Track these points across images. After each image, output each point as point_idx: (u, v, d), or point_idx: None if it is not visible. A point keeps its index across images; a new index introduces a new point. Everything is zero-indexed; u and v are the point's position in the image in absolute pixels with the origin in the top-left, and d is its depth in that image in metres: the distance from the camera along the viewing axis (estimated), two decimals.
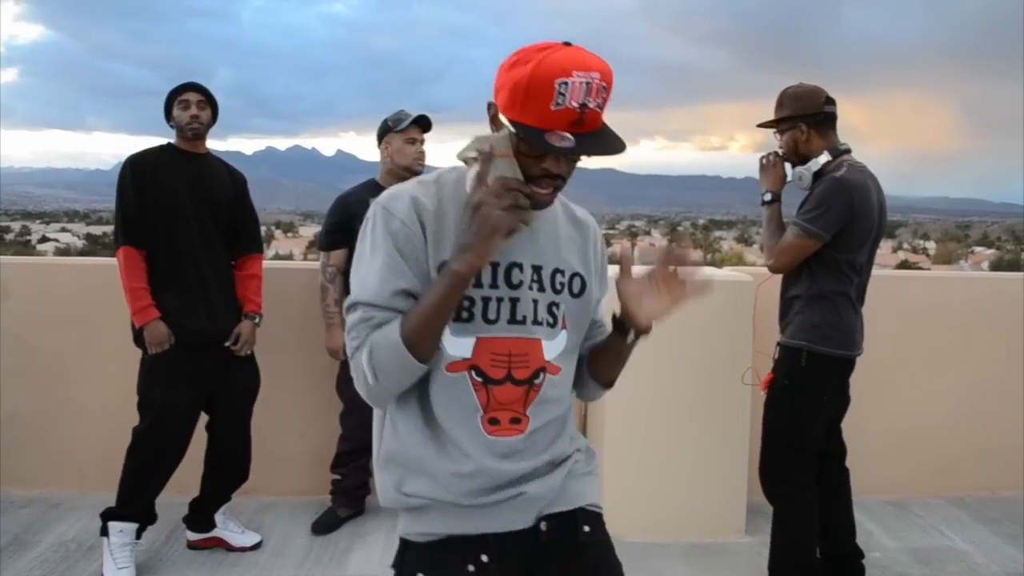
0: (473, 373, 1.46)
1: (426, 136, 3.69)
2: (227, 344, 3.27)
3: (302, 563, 3.38)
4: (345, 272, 3.49)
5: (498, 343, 1.46)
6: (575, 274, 1.57)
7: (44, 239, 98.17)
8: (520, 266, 1.49)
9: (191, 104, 3.26)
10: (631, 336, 1.55)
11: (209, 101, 3.33)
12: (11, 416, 3.98)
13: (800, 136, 2.90)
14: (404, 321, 1.39)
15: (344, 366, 3.67)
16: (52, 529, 3.61)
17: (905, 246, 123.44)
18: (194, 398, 3.24)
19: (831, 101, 2.91)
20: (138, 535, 3.24)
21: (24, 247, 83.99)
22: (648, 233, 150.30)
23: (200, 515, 3.42)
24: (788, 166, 3.02)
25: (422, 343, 1.38)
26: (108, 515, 3.19)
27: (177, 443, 3.22)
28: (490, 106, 1.43)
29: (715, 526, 3.50)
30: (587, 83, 1.31)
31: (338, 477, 3.78)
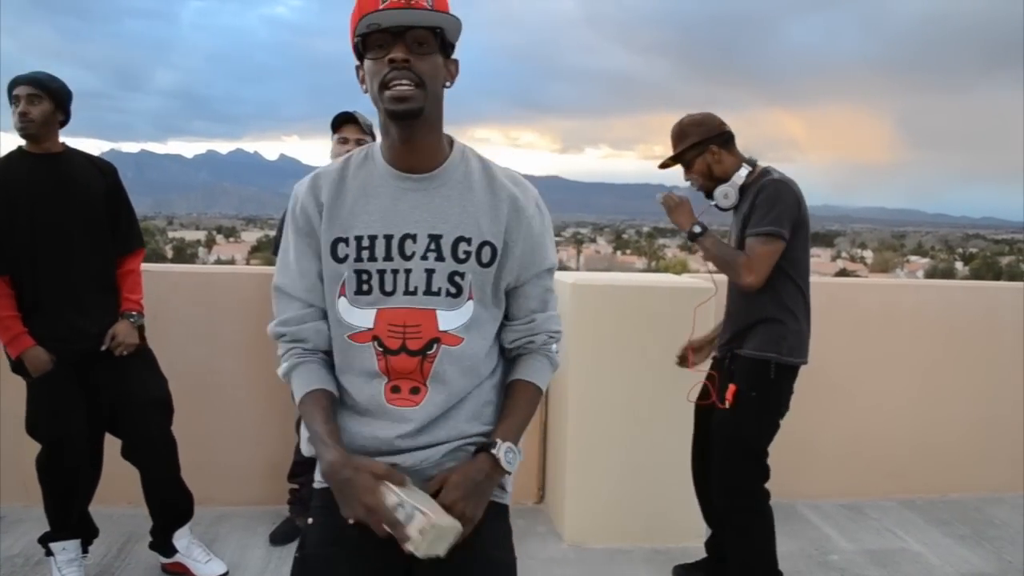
0: (376, 343, 1.52)
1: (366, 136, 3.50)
2: (102, 348, 2.97)
3: (262, 573, 3.30)
4: None
5: (395, 314, 1.51)
6: (484, 243, 1.53)
7: None
8: (414, 237, 1.51)
9: (20, 100, 2.89)
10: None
11: (48, 92, 2.92)
12: None
13: (712, 158, 2.91)
14: (305, 411, 1.54)
15: None
16: None
17: (843, 255, 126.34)
18: (87, 417, 3.02)
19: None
20: (84, 549, 3.14)
21: None
22: (593, 240, 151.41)
23: (158, 540, 3.24)
24: (700, 194, 3.01)
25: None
26: (45, 539, 3.09)
27: (81, 468, 3.04)
28: (357, 66, 1.53)
29: (677, 531, 3.51)
30: None
31: (296, 486, 3.69)
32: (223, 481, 3.66)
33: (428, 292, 1.51)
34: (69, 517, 3.07)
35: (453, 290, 1.52)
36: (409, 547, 1.36)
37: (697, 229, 2.92)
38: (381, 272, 1.50)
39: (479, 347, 1.58)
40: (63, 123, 3.04)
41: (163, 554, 3.25)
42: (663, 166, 3.04)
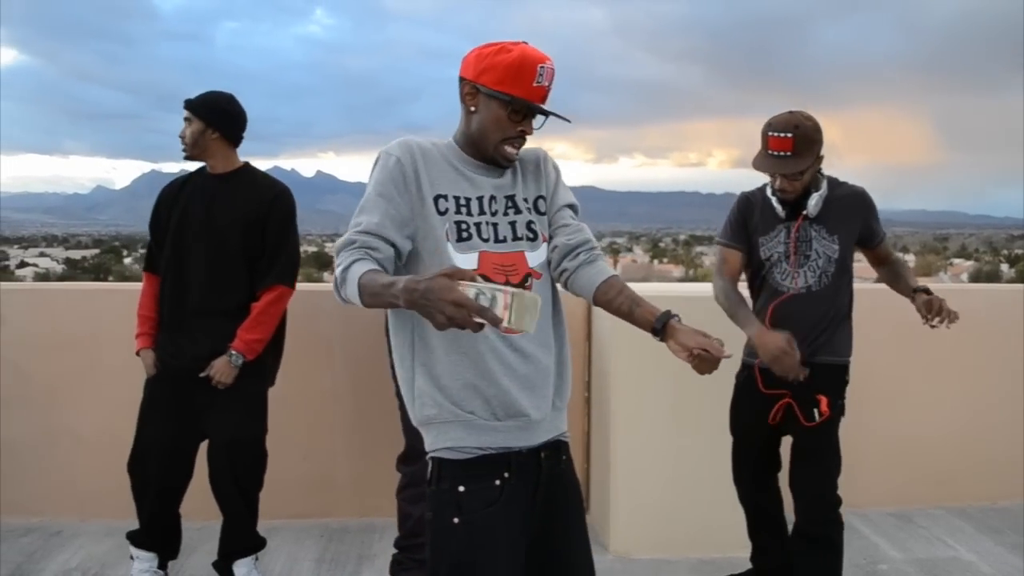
0: (482, 280, 1.72)
1: None
2: (201, 375, 3.00)
3: None
4: None
5: (494, 256, 1.85)
6: (539, 196, 1.98)
7: (23, 264, 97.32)
8: (495, 198, 1.90)
9: (186, 123, 3.08)
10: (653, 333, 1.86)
11: (197, 112, 3.04)
12: (9, 443, 3.92)
13: (816, 168, 2.78)
14: (366, 279, 1.64)
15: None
16: (54, 557, 3.56)
17: None
18: (178, 433, 3.08)
19: None
20: (162, 565, 3.19)
21: (2, 272, 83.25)
22: (630, 250, 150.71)
23: (219, 563, 3.25)
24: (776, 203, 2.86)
25: (369, 303, 1.65)
26: (130, 536, 3.17)
27: (158, 475, 3.09)
28: (464, 83, 1.87)
29: (724, 542, 3.49)
30: (552, 69, 1.85)
31: (398, 552, 3.29)
32: (272, 495, 3.69)
33: (515, 238, 1.88)
34: (142, 520, 3.14)
35: (531, 235, 1.91)
36: (504, 324, 1.48)
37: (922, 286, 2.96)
38: (478, 224, 1.85)
39: (549, 280, 1.95)
40: (228, 140, 3.11)
41: (221, 574, 3.26)
42: (771, 169, 2.74)
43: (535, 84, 1.82)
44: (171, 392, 3.07)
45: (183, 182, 3.18)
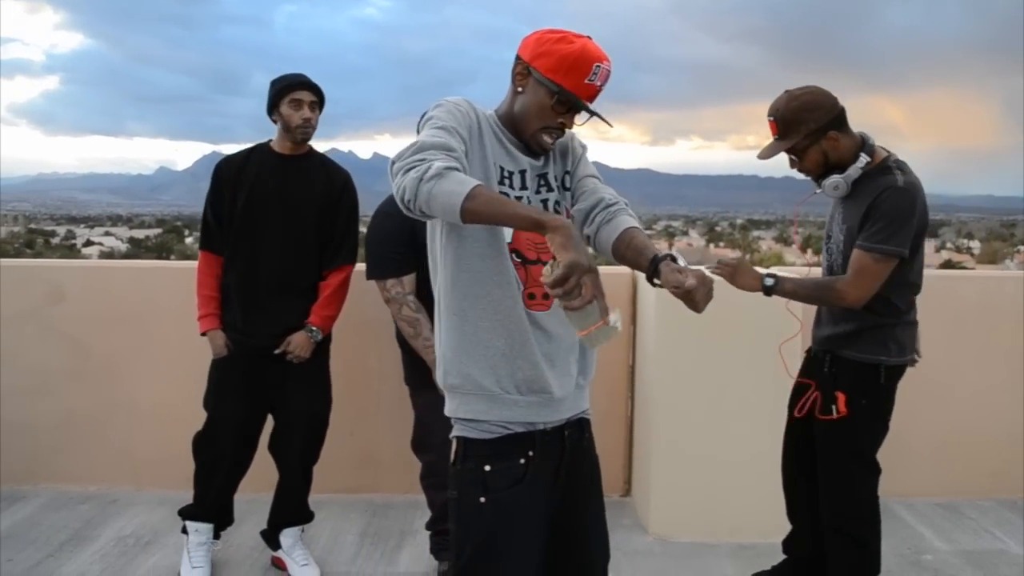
0: (514, 255, 1.83)
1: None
2: (276, 351, 3.11)
3: (353, 560, 3.43)
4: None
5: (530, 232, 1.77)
6: (566, 172, 2.00)
7: (89, 243, 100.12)
8: (531, 175, 1.92)
9: (303, 104, 3.08)
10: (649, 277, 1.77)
11: (321, 101, 3.16)
12: (69, 415, 4.09)
13: (829, 145, 2.61)
14: (478, 191, 1.56)
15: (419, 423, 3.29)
16: (110, 524, 3.71)
17: (948, 245, 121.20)
18: (250, 411, 3.18)
19: None
20: (216, 535, 3.29)
21: (69, 251, 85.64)
22: (686, 233, 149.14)
23: (267, 531, 3.37)
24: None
25: (474, 217, 1.58)
26: (183, 513, 3.25)
27: (230, 452, 3.18)
28: (519, 62, 1.85)
29: (765, 527, 3.48)
30: (608, 71, 1.83)
31: (436, 533, 3.36)
32: (319, 469, 3.79)
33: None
34: (207, 495, 3.22)
35: (561, 213, 1.92)
36: (597, 331, 1.53)
37: (769, 282, 2.63)
38: (518, 199, 1.86)
39: None
40: None
41: (269, 545, 3.37)
42: (764, 156, 2.67)
43: (587, 81, 1.80)
44: (243, 370, 3.14)
45: (243, 159, 3.17)
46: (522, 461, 1.82)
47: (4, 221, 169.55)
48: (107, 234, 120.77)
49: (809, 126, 2.57)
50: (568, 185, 1.98)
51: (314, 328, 3.14)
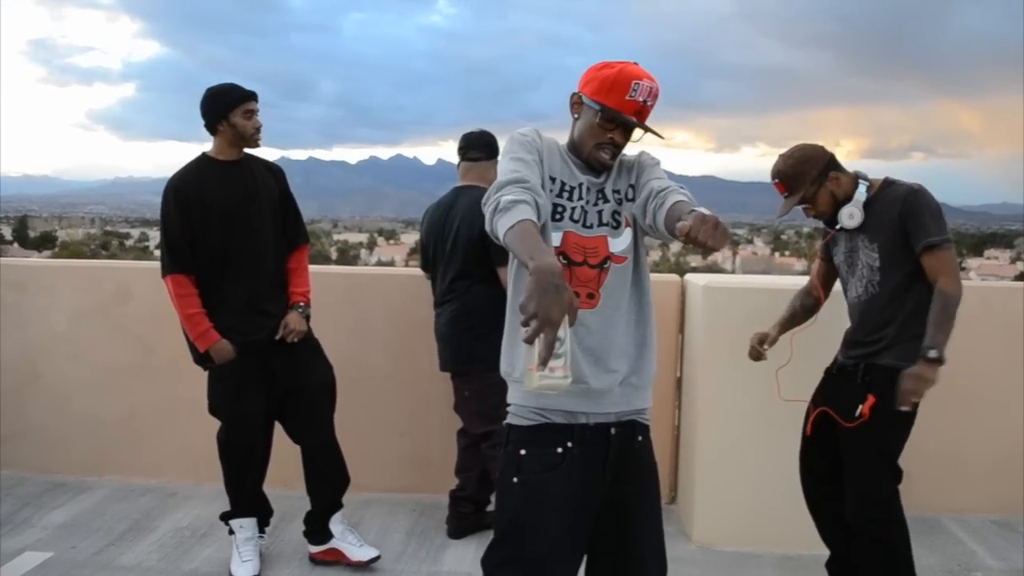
0: (562, 258, 1.99)
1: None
2: (277, 338, 3.25)
3: (399, 558, 3.51)
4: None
5: (577, 237, 2.02)
6: (630, 185, 2.12)
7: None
8: (589, 188, 2.07)
9: (254, 114, 3.23)
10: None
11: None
12: (133, 410, 4.26)
13: (833, 184, 2.86)
14: (516, 227, 1.74)
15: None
16: (169, 516, 3.86)
17: None
18: (269, 401, 3.30)
19: None
20: (261, 529, 3.41)
21: (143, 252, 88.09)
22: (750, 242, 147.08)
23: (314, 526, 3.43)
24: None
25: (508, 246, 1.78)
26: (225, 516, 3.38)
27: (256, 446, 3.32)
28: (573, 95, 2.08)
29: (810, 539, 3.45)
30: (650, 87, 2.00)
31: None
32: (369, 468, 3.89)
33: (600, 224, 2.04)
34: (244, 492, 3.35)
35: (615, 223, 2.06)
36: (534, 372, 1.60)
37: (934, 355, 2.61)
38: (572, 208, 2.03)
39: (639, 264, 2.10)
40: None
41: (318, 541, 3.42)
42: (782, 214, 2.95)
43: (627, 97, 1.98)
44: (255, 365, 3.24)
45: (197, 176, 3.22)
46: (559, 450, 1.95)
47: (82, 223, 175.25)
48: None
49: (811, 174, 2.85)
50: (631, 196, 2.10)
51: (301, 305, 3.35)
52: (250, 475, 3.35)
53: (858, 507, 2.88)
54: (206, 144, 3.29)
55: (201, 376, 4.19)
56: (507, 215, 1.77)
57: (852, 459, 2.89)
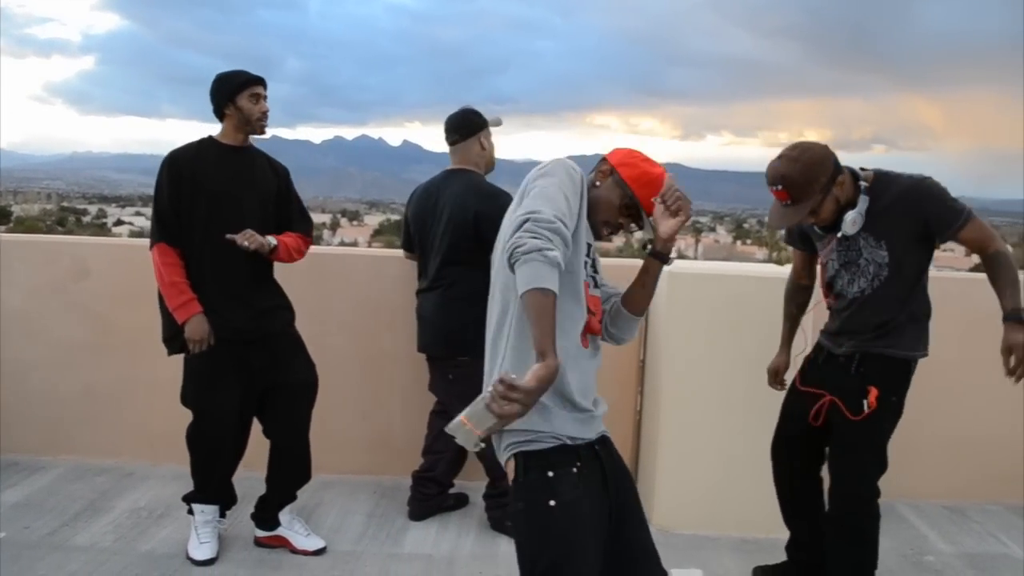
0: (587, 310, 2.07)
1: (496, 130, 3.62)
2: (236, 243, 3.07)
3: (359, 540, 3.50)
4: None
5: (588, 295, 2.05)
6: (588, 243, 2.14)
7: (119, 222, 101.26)
8: (591, 246, 2.11)
9: (261, 98, 3.21)
10: (656, 258, 2.13)
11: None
12: (89, 388, 4.19)
13: (839, 190, 2.66)
14: (540, 291, 1.69)
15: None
16: (125, 496, 3.81)
17: None
18: (245, 396, 3.24)
19: None
20: (222, 514, 3.38)
21: (100, 229, 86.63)
22: (713, 230, 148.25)
23: (265, 513, 3.42)
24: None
25: (528, 301, 1.71)
26: (187, 498, 3.34)
27: (228, 441, 3.27)
28: (604, 162, 2.14)
29: (768, 522, 3.50)
30: None
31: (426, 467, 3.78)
32: (330, 450, 3.86)
33: (595, 286, 2.13)
34: (210, 482, 3.31)
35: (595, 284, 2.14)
36: (468, 428, 1.63)
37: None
38: (586, 263, 2.04)
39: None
40: None
41: (267, 527, 3.41)
42: (779, 225, 2.76)
43: (654, 200, 2.09)
44: (229, 358, 3.18)
45: (195, 154, 3.20)
46: (574, 470, 1.94)
47: (38, 199, 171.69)
48: (138, 214, 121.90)
49: (821, 181, 2.60)
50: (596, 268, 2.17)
51: (275, 240, 3.20)
52: (218, 468, 3.32)
53: (843, 499, 2.87)
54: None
55: (161, 354, 4.13)
56: (545, 271, 1.70)
57: (846, 450, 2.86)
